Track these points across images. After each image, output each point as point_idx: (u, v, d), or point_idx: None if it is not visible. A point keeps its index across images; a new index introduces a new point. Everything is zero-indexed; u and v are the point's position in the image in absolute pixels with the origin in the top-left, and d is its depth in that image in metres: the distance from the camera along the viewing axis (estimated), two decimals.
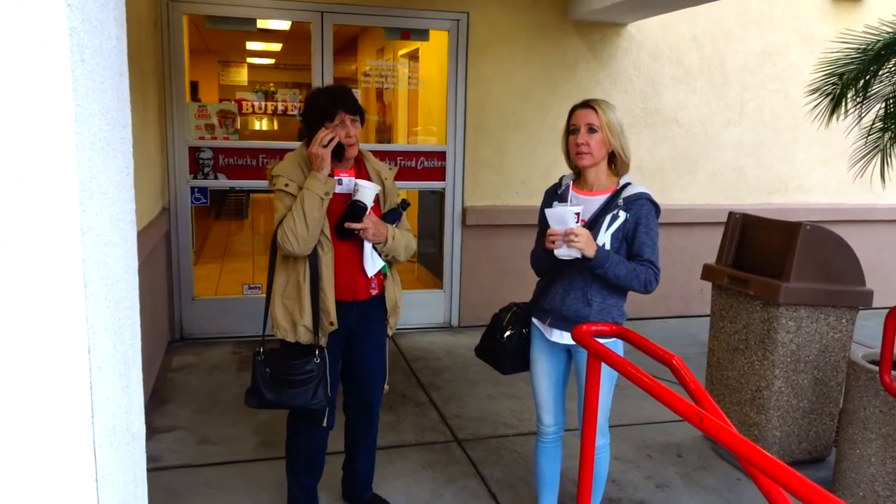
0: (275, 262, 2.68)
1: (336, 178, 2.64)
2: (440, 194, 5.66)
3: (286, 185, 2.59)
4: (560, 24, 5.57)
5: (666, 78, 5.91)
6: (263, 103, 9.51)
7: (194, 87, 9.96)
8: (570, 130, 2.59)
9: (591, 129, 2.53)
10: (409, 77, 6.35)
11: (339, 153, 2.62)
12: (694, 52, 5.94)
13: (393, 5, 5.25)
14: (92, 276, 1.01)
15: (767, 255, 3.52)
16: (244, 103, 8.49)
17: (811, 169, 6.41)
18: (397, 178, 5.32)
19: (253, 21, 5.27)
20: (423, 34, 5.59)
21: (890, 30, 4.22)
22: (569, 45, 5.62)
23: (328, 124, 2.59)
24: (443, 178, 5.55)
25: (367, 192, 2.61)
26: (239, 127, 5.35)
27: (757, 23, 6.04)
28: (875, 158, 4.60)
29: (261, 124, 12.12)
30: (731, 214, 3.77)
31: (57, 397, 0.96)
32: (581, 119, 2.55)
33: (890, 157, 4.56)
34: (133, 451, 1.29)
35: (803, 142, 6.29)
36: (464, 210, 5.57)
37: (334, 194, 2.61)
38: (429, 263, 6.27)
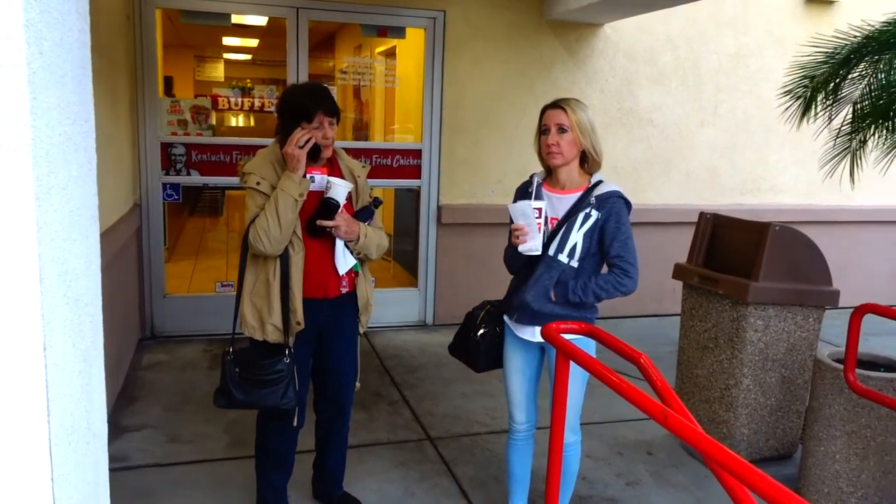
0: (245, 260, 2.66)
1: (308, 175, 2.63)
2: (416, 192, 5.66)
3: (258, 183, 2.57)
4: (537, 23, 5.59)
5: (641, 78, 5.96)
6: (240, 99, 9.43)
7: (169, 82, 9.84)
8: (542, 131, 2.61)
9: (562, 130, 2.54)
10: (386, 75, 6.33)
11: (314, 154, 2.61)
12: (669, 52, 5.99)
13: (369, 2, 5.24)
14: (48, 272, 0.99)
15: (737, 255, 3.56)
16: (220, 99, 8.41)
17: (783, 170, 6.50)
18: (373, 175, 5.31)
19: (227, 16, 5.21)
20: (399, 32, 5.57)
21: (858, 35, 4.29)
22: (545, 44, 5.65)
23: (305, 125, 2.57)
24: (418, 177, 5.54)
25: (339, 189, 2.60)
26: (213, 123, 5.30)
27: (731, 24, 6.11)
28: (845, 160, 4.68)
29: (237, 121, 12.02)
30: (702, 215, 3.81)
31: (10, 396, 0.94)
32: (551, 119, 2.56)
33: (859, 158, 4.64)
34: (94, 451, 1.27)
35: (775, 143, 6.38)
36: (439, 208, 5.57)
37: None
38: (404, 261, 6.26)
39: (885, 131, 4.48)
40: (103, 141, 3.53)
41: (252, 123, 11.70)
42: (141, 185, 4.96)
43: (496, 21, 5.50)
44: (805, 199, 6.58)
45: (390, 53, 6.57)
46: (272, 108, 5.91)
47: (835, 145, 4.64)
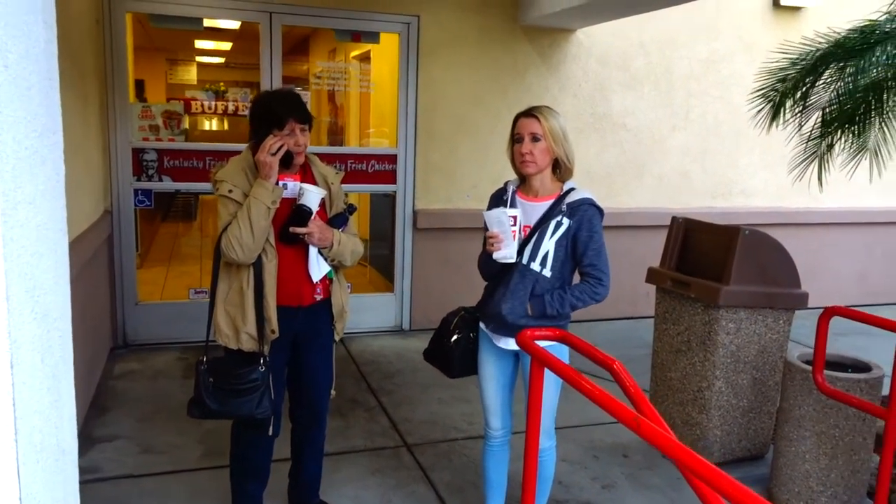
0: (218, 268, 2.63)
1: (281, 182, 2.62)
2: (391, 197, 5.65)
3: (230, 191, 2.55)
4: (510, 28, 5.62)
5: (614, 83, 6.02)
6: (213, 103, 9.31)
7: (141, 85, 9.72)
8: (515, 139, 2.62)
9: (535, 138, 2.56)
10: (360, 79, 6.32)
11: (287, 161, 2.60)
12: (641, 58, 6.06)
13: (343, 7, 5.23)
14: (16, 289, 0.98)
15: (708, 259, 3.61)
16: (193, 103, 8.31)
17: (753, 174, 6.60)
18: (349, 180, 5.30)
19: (199, 20, 5.17)
20: (373, 37, 5.57)
21: (824, 42, 4.38)
22: (519, 50, 5.68)
23: (277, 132, 2.56)
24: (394, 182, 5.54)
25: (312, 196, 2.59)
26: (186, 127, 5.24)
27: (702, 30, 6.20)
28: (813, 164, 4.77)
29: (210, 124, 11.91)
30: (674, 219, 3.86)
31: None
32: (524, 128, 2.58)
33: (827, 162, 4.74)
34: (63, 468, 1.25)
35: (746, 147, 6.48)
36: (415, 213, 5.57)
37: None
38: (380, 265, 6.26)
39: (851, 136, 4.58)
40: (73, 148, 3.48)
41: (226, 127, 11.60)
42: (112, 191, 4.90)
43: (470, 26, 5.52)
44: (775, 202, 6.69)
45: (365, 57, 6.57)
46: (245, 112, 5.87)
47: (804, 149, 4.73)
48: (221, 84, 11.96)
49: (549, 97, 5.77)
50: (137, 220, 5.17)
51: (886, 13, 4.17)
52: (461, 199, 5.66)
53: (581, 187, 2.65)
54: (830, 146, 4.64)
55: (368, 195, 6.20)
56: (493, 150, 5.60)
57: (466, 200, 5.65)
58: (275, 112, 2.59)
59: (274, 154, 2.53)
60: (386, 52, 5.83)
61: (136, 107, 4.98)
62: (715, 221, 3.90)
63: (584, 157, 5.55)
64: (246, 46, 8.50)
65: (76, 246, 3.37)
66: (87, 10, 4.35)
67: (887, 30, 4.31)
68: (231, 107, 8.67)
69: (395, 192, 5.57)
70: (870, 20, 4.37)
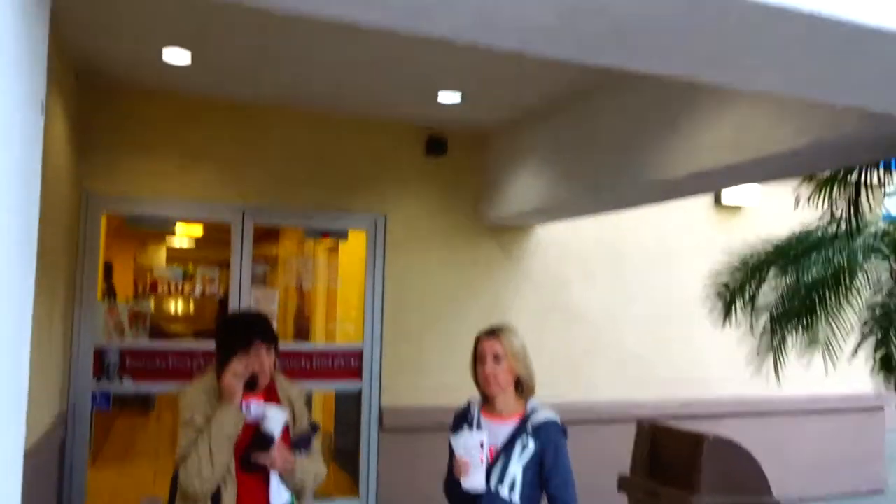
0: (174, 497, 2.53)
1: (244, 403, 2.60)
2: (357, 394, 5.58)
3: (191, 418, 2.52)
4: (474, 226, 5.90)
5: (573, 275, 6.25)
6: (181, 283, 9.32)
7: (108, 269, 9.77)
8: (477, 359, 2.67)
9: (497, 359, 2.61)
10: (329, 271, 6.48)
11: (251, 384, 2.60)
12: (598, 252, 6.36)
13: (313, 209, 5.46)
14: None
15: (677, 465, 3.59)
16: (160, 284, 8.31)
17: (713, 364, 6.69)
18: (314, 377, 5.24)
19: (173, 221, 5.35)
20: (342, 234, 5.79)
21: (768, 247, 4.70)
22: (483, 245, 5.94)
23: (241, 355, 2.58)
24: (360, 377, 5.50)
25: (275, 421, 2.57)
26: (149, 324, 5.24)
27: (653, 226, 6.56)
28: (768, 357, 4.91)
29: (177, 307, 11.87)
30: (639, 425, 3.88)
31: None
32: (487, 349, 2.64)
33: (782, 356, 4.88)
34: None
35: (705, 338, 6.61)
36: (381, 412, 5.49)
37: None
38: (345, 462, 6.04)
39: (801, 330, 4.77)
40: (33, 348, 3.42)
41: (191, 310, 11.58)
42: (69, 393, 4.77)
43: (436, 224, 5.79)
44: (737, 390, 6.74)
45: (333, 249, 6.77)
46: (214, 291, 5.92)
47: (759, 345, 4.89)
48: (190, 265, 12.08)
49: (511, 288, 5.96)
50: (93, 422, 4.99)
51: (818, 227, 4.51)
52: (429, 396, 5.59)
53: (543, 406, 2.67)
54: (783, 340, 4.81)
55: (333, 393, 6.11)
56: (459, 345, 5.60)
57: (434, 398, 5.59)
58: (239, 334, 2.62)
59: (238, 377, 2.53)
60: (355, 245, 6.03)
61: (103, 306, 4.99)
62: (678, 412, 3.94)
63: (547, 348, 5.62)
64: (216, 235, 8.73)
65: (25, 460, 3.21)
66: (65, 212, 4.48)
67: (820, 235, 4.66)
68: (198, 289, 8.68)
69: (361, 389, 5.50)
70: (806, 229, 4.72)
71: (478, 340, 2.71)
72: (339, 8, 1.83)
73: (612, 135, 4.33)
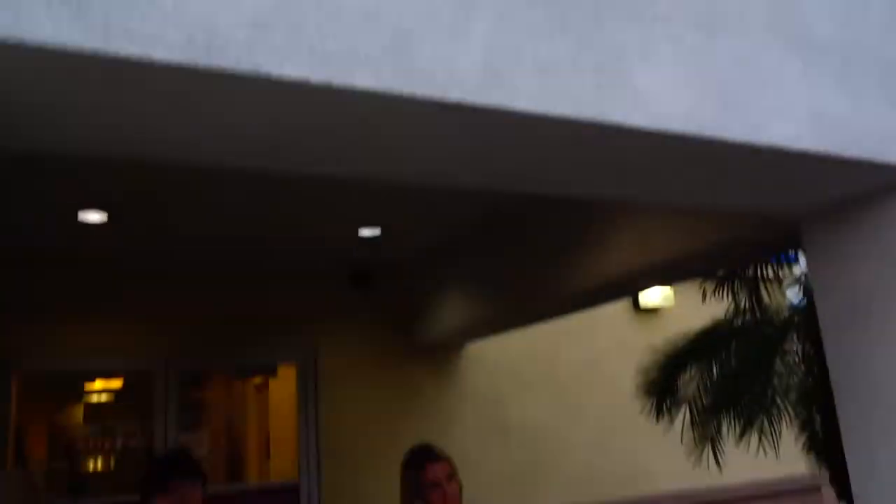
0: None
1: None
2: None
3: None
4: (405, 350, 5.91)
5: (508, 390, 6.28)
6: (99, 440, 8.77)
7: (19, 434, 9.08)
8: (429, 486, 2.51)
9: (450, 479, 2.50)
10: (258, 408, 6.29)
11: None
12: (530, 364, 6.43)
13: (239, 347, 5.36)
14: None
15: None
16: (78, 443, 7.79)
17: (655, 459, 6.72)
18: None
19: (91, 375, 5.15)
20: (271, 369, 5.69)
21: (680, 344, 4.90)
22: (416, 369, 5.93)
23: (161, 499, 2.46)
24: None
25: None
26: (66, 485, 4.88)
27: (580, 334, 6.70)
28: (706, 446, 5.00)
29: (96, 464, 11.06)
30: None
31: None
32: (440, 472, 2.51)
33: (719, 443, 4.97)
34: None
35: (643, 435, 6.67)
36: None
37: None
38: None
39: (733, 414, 4.91)
40: None
41: (112, 466, 10.81)
42: None
43: (366, 352, 5.78)
44: (683, 482, 6.75)
45: (262, 385, 6.60)
46: (136, 443, 5.56)
47: (694, 437, 4.98)
48: (110, 419, 11.40)
49: (445, 408, 5.93)
50: None
51: (726, 319, 4.77)
52: None
53: None
54: (718, 428, 4.93)
55: None
56: (397, 471, 5.51)
57: None
58: (158, 477, 2.51)
59: None
60: (284, 381, 5.92)
61: (17, 473, 4.66)
62: None
63: (490, 462, 5.57)
64: (138, 384, 8.35)
65: None
66: None
67: (733, 326, 4.91)
68: (119, 443, 8.18)
69: None
70: (719, 319, 4.97)
71: (422, 466, 2.58)
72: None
73: (531, 250, 4.52)
